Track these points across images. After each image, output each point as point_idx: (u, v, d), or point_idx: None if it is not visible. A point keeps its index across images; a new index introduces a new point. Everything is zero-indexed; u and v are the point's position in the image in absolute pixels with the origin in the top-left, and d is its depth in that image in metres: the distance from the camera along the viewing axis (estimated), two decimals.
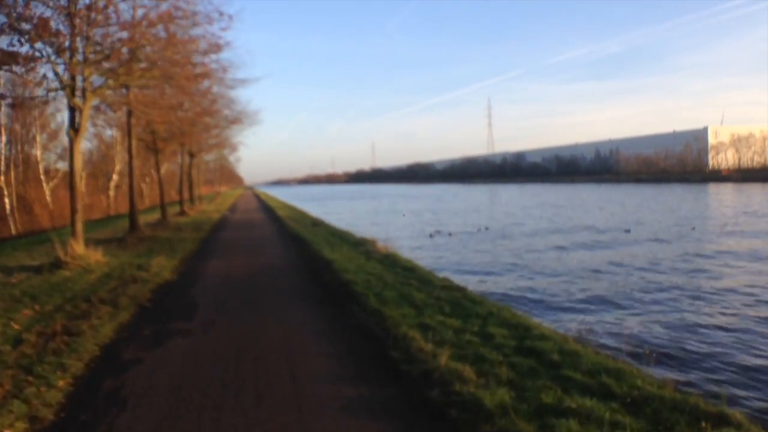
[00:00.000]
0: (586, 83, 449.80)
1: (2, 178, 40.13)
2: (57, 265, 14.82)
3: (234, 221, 32.97)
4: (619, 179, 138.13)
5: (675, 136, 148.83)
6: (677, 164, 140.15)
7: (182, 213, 36.95)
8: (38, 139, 50.64)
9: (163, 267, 15.04)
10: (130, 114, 23.01)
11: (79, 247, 15.48)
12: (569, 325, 10.84)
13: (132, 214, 23.41)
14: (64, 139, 60.74)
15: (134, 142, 25.21)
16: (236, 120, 34.46)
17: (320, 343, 7.74)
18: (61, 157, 57.85)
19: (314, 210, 52.77)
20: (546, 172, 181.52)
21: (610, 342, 9.92)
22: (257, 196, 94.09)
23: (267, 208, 49.77)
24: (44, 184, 49.86)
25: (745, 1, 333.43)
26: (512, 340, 7.27)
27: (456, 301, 9.50)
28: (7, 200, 40.71)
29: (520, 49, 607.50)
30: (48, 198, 49.74)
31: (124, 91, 20.75)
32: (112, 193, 61.98)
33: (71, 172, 15.93)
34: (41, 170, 49.87)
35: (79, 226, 15.90)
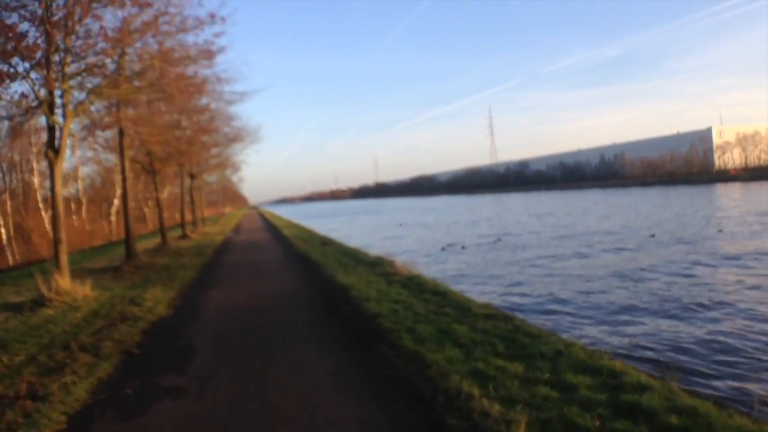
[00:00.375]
0: (585, 90, 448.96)
1: None
2: (39, 302, 13.13)
3: (238, 243, 31.26)
4: (626, 183, 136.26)
5: (679, 138, 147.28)
6: (683, 166, 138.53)
7: (184, 236, 35.25)
8: (35, 166, 49.17)
9: (158, 300, 13.33)
10: (121, 134, 21.37)
11: (64, 282, 13.79)
12: (644, 353, 9.08)
13: (128, 241, 21.70)
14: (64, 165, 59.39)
15: (128, 164, 23.56)
16: (236, 137, 32.90)
17: (348, 402, 5.97)
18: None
19: (321, 227, 51.14)
20: (550, 180, 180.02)
21: (719, 384, 8.09)
22: (262, 216, 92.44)
23: (272, 227, 48.06)
24: (42, 212, 48.33)
25: (740, 1, 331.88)
26: (601, 392, 5.50)
27: (508, 336, 7.71)
28: (2, 230, 39.10)
29: (517, 59, 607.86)
30: (47, 226, 48.19)
31: (115, 109, 19.20)
32: (113, 218, 60.44)
33: (53, 196, 14.25)
34: (39, 198, 48.36)
35: (64, 258, 14.22)
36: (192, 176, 42.38)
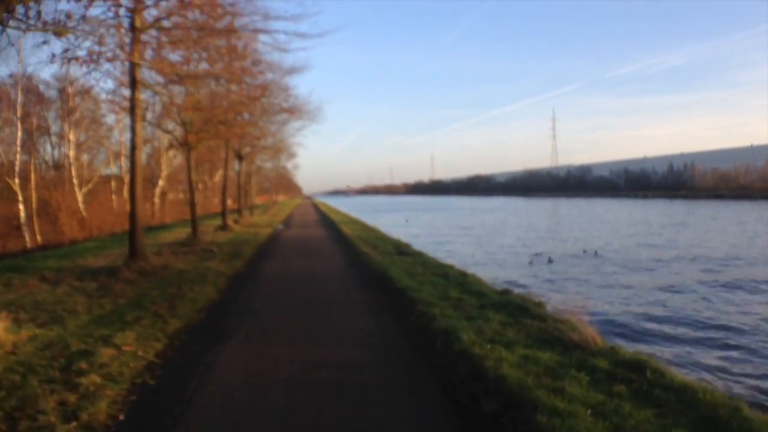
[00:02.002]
0: (647, 97, 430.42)
1: (16, 180, 32.93)
2: None
3: (287, 241, 24.69)
4: (696, 195, 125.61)
5: (753, 150, 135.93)
6: (758, 180, 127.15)
7: (224, 227, 28.84)
8: (72, 137, 43.70)
9: (124, 361, 6.77)
10: (134, 85, 14.93)
11: None
12: None
13: (132, 234, 15.19)
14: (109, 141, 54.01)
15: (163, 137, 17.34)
16: (292, 110, 26.30)
17: None
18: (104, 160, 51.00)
19: (383, 224, 44.45)
20: (613, 186, 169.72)
21: None
22: (316, 207, 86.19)
23: (328, 222, 41.48)
24: (76, 189, 42.88)
25: None
26: None
27: None
28: (21, 207, 33.48)
29: (579, 63, 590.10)
30: (81, 204, 42.73)
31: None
32: (157, 200, 54.91)
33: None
34: (74, 173, 42.91)
35: None
36: (240, 157, 36.06)
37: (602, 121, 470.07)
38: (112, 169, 53.53)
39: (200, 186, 76.85)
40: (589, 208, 76.58)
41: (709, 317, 12.60)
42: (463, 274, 12.99)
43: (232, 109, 21.40)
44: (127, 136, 51.37)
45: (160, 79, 17.49)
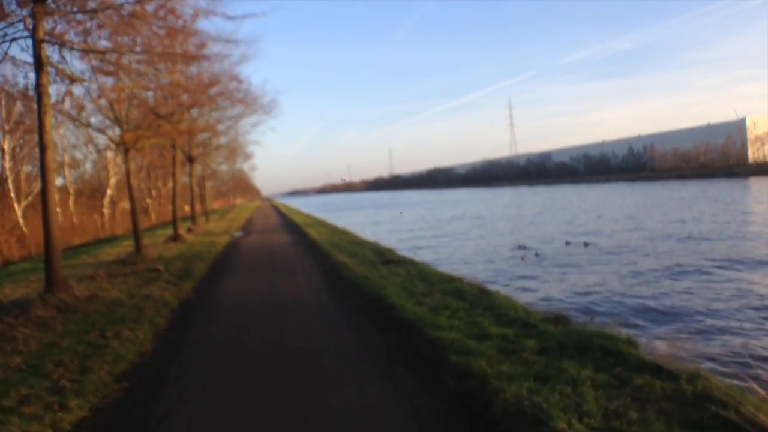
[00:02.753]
0: (600, 82, 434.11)
1: None
2: None
3: (247, 251, 21.30)
4: (657, 176, 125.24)
5: (710, 129, 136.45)
6: (719, 158, 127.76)
7: (175, 238, 25.23)
8: (5, 145, 39.32)
9: None
10: (41, 67, 11.46)
11: None
12: None
13: (48, 260, 11.67)
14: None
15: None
16: (244, 101, 22.93)
17: None
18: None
19: (351, 224, 41.25)
20: (574, 172, 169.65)
21: None
22: (277, 209, 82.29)
23: (292, 225, 37.92)
24: (15, 203, 38.59)
25: None
26: None
27: None
28: None
29: (529, 52, 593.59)
30: (20, 219, 38.45)
31: None
32: (106, 210, 50.65)
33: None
34: (10, 185, 38.59)
35: None
36: (191, 159, 32.41)
37: (557, 108, 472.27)
38: (58, 181, 49.05)
39: (154, 193, 72.52)
40: (552, 196, 74.46)
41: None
42: (483, 291, 9.85)
43: (175, 102, 17.95)
44: (71, 142, 46.78)
45: (85, 66, 14.10)
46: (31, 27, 11.38)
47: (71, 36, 12.77)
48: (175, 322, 9.68)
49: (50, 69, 12.05)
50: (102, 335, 8.70)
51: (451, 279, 11.42)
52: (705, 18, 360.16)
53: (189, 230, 31.41)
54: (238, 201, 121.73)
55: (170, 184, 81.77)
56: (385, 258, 15.31)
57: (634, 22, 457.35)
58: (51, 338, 8.75)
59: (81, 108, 16.40)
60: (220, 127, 29.64)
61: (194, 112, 24.04)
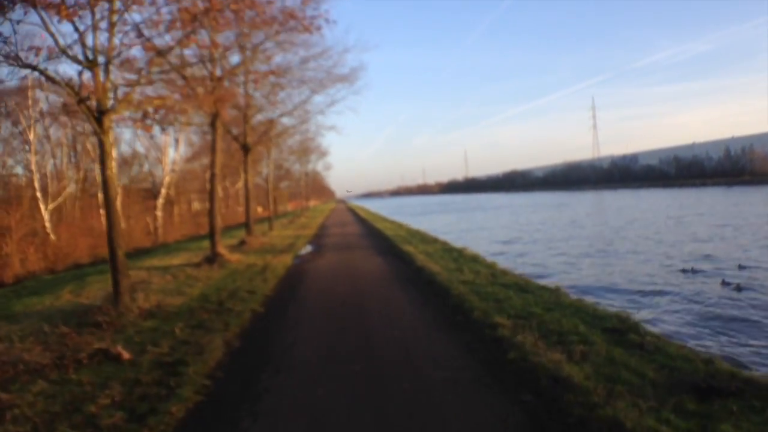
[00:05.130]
0: (676, 85, 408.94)
1: None
2: None
3: (315, 295, 12.34)
4: (760, 180, 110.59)
5: None
6: None
7: (212, 259, 16.66)
8: (31, 136, 32.22)
9: None
10: None
11: None
12: None
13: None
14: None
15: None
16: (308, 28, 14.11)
17: None
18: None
19: (446, 230, 32.36)
20: (663, 176, 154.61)
21: None
22: (353, 212, 73.77)
23: (377, 236, 28.98)
24: (42, 206, 31.35)
25: None
26: None
27: None
28: None
29: (605, 55, 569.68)
30: (47, 224, 31.17)
31: None
32: (159, 213, 43.12)
33: None
34: (37, 186, 31.37)
35: None
36: (245, 148, 23.94)
37: (635, 111, 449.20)
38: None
39: (221, 193, 64.85)
40: (652, 202, 62.79)
41: None
42: None
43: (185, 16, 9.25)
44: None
45: None
46: None
47: None
48: None
49: None
50: None
51: None
52: None
53: (242, 243, 22.94)
54: (312, 203, 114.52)
55: (240, 183, 74.59)
56: (615, 329, 6.34)
57: (713, 23, 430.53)
58: None
59: None
60: (282, 100, 21.18)
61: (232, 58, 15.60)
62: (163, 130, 16.36)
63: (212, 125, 17.30)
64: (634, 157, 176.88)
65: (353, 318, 9.76)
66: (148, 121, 10.84)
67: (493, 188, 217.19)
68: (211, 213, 17.90)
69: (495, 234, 34.57)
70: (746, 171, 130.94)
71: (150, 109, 10.56)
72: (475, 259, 16.25)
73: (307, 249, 23.10)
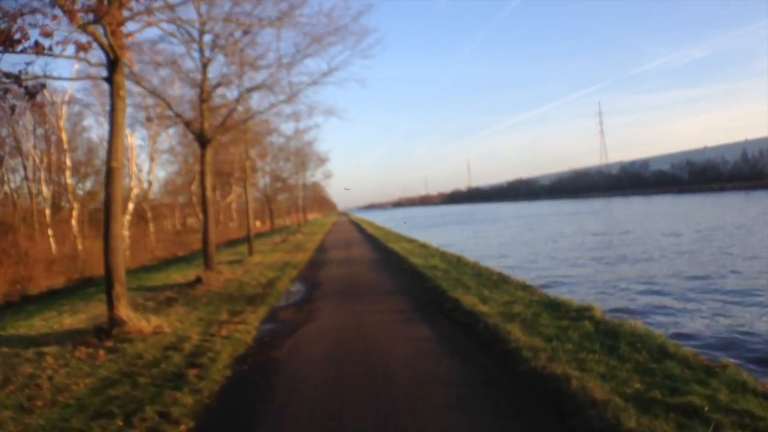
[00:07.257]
0: (675, 91, 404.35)
1: None
2: None
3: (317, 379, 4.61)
4: None
5: None
6: None
7: (106, 331, 8.79)
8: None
9: None
10: None
11: None
12: None
13: None
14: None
15: None
16: None
17: None
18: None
19: (458, 246, 24.99)
20: (675, 181, 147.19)
21: None
22: (357, 226, 65.89)
23: (397, 261, 20.75)
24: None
25: None
26: None
27: None
28: None
29: (600, 64, 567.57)
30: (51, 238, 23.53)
31: None
32: (126, 232, 35.26)
33: None
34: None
35: None
36: (201, 140, 16.12)
37: (631, 119, 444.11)
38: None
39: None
40: (673, 209, 55.19)
41: None
42: None
43: None
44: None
45: None
46: None
47: None
48: None
49: None
50: None
51: None
52: None
53: (196, 282, 15.04)
54: (312, 216, 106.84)
55: (230, 198, 66.28)
56: None
57: (707, 29, 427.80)
58: None
59: None
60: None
61: None
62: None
63: (109, 79, 9.37)
64: (644, 163, 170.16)
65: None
66: None
67: (497, 198, 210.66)
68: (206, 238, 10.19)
69: (562, 254, 25.25)
70: (765, 174, 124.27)
71: None
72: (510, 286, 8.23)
73: (293, 292, 14.95)
